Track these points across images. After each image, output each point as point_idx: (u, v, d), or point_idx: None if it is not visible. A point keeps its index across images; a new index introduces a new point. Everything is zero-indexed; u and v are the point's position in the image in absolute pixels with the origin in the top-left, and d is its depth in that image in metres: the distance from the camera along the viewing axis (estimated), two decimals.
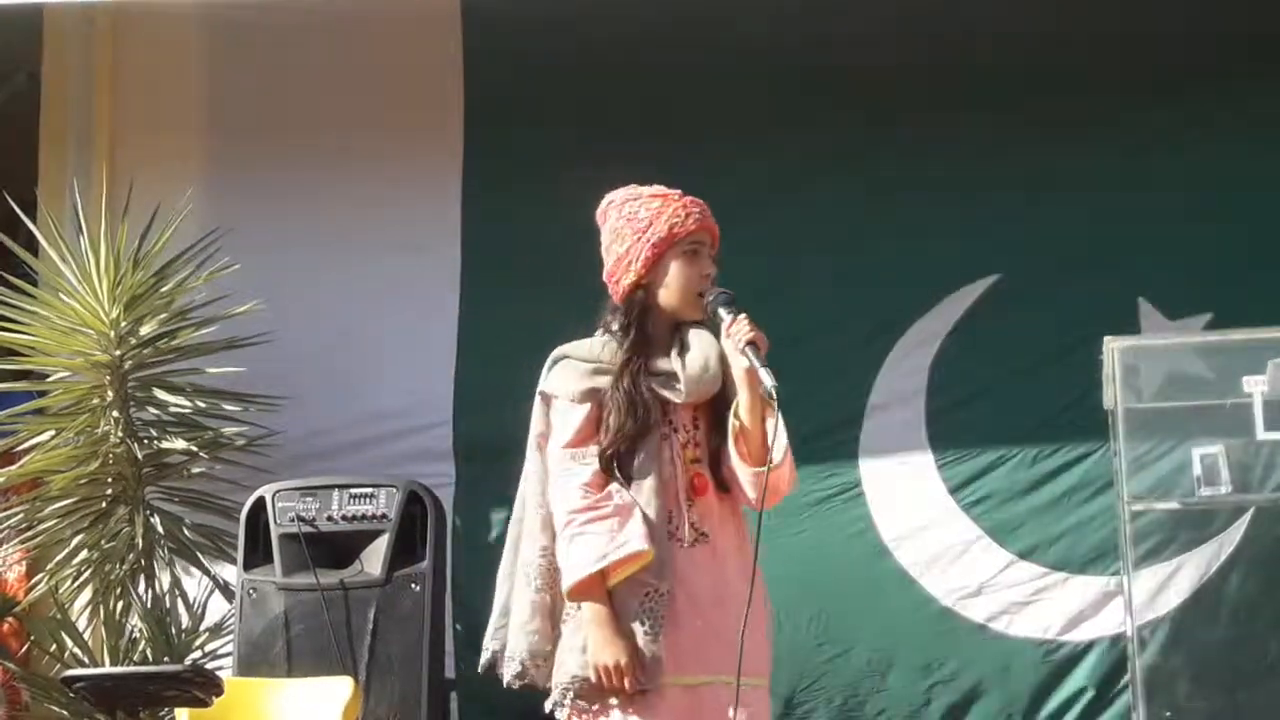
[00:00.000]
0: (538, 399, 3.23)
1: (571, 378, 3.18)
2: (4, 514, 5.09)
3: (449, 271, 5.41)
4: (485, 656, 3.22)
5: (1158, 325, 4.95)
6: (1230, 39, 5.13)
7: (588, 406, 3.14)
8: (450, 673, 4.87)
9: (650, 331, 3.18)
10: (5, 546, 5.14)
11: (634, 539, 3.02)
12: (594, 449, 3.11)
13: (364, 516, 4.59)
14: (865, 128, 5.20)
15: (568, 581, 3.06)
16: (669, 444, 3.13)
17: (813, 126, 5.16)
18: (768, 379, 2.99)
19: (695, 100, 5.29)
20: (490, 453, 5.26)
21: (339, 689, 4.09)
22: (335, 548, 4.59)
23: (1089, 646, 4.86)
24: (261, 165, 5.55)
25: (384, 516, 4.58)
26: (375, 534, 4.57)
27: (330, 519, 4.60)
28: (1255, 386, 4.34)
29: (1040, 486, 4.98)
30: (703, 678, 3.06)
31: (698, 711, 3.05)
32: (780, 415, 3.01)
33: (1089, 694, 4.84)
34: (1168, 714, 4.63)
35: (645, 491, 3.08)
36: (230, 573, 4.86)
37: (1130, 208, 5.12)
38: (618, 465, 3.10)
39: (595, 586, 3.04)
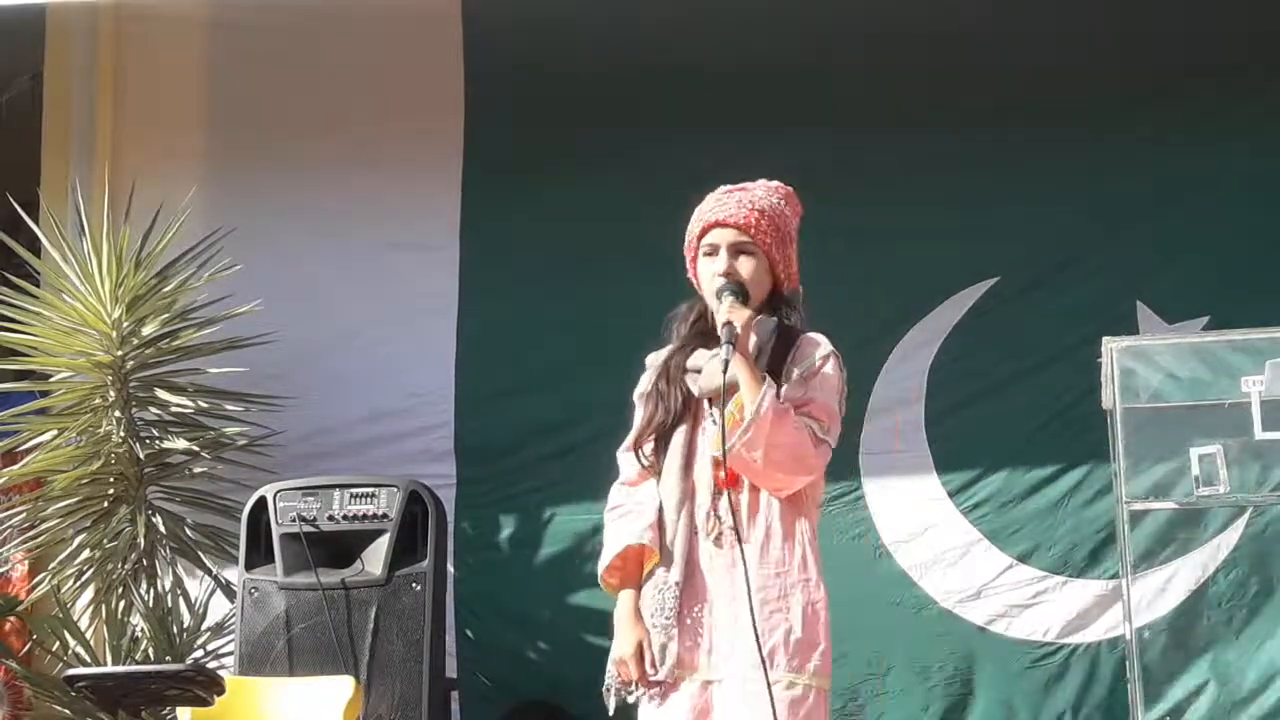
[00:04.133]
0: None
1: (642, 380, 3.26)
2: (7, 513, 5.11)
3: (449, 271, 5.41)
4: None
5: (1155, 329, 4.94)
6: (1230, 39, 5.11)
7: (644, 406, 3.22)
8: (451, 672, 4.88)
9: (708, 330, 3.18)
10: (8, 546, 5.15)
11: (625, 535, 3.10)
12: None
13: (365, 516, 4.60)
14: (864, 129, 5.19)
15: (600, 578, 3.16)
16: (704, 438, 3.13)
17: (811, 128, 5.14)
18: (724, 350, 2.96)
19: (694, 101, 5.28)
20: (491, 453, 5.28)
21: (340, 688, 4.09)
22: (336, 547, 4.60)
23: (1088, 649, 4.85)
24: (263, 166, 5.56)
25: (385, 516, 4.58)
26: (376, 533, 4.58)
27: (331, 518, 4.60)
28: (1253, 387, 4.33)
29: (1039, 489, 4.97)
30: (719, 674, 3.01)
31: (712, 708, 3.00)
32: (765, 390, 2.98)
33: (1088, 696, 4.84)
34: (1167, 716, 4.63)
35: (669, 483, 3.12)
36: (232, 572, 4.87)
37: (1130, 208, 5.12)
38: (656, 459, 3.16)
39: (617, 582, 3.13)
